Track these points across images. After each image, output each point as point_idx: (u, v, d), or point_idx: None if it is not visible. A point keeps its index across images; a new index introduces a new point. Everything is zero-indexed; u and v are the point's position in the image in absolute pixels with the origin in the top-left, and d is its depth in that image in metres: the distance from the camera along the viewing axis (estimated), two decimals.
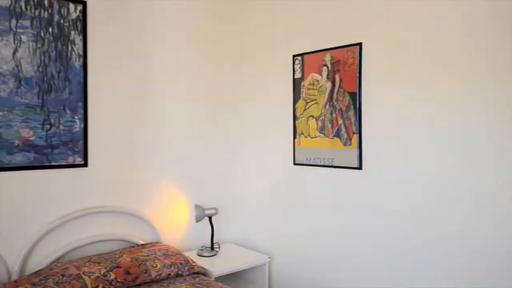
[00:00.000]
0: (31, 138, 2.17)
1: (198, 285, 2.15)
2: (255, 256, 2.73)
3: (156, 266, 2.22)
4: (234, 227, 3.08)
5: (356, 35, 2.31)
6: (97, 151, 2.41)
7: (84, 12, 2.32)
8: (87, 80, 2.35)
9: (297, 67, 2.63)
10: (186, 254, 2.71)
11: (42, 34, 2.18)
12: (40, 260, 2.20)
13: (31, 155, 2.17)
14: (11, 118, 2.10)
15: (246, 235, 3.02)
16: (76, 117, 2.32)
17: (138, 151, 2.58)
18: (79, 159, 2.34)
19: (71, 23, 2.28)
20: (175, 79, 2.74)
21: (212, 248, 2.76)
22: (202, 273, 2.38)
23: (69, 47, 2.28)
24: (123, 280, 2.08)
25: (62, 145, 2.27)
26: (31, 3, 2.14)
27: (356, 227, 2.34)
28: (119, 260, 2.16)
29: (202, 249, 2.74)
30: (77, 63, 2.30)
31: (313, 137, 2.54)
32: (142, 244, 2.51)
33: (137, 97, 2.57)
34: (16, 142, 2.12)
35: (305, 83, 2.59)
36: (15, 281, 1.97)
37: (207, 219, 2.80)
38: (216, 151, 2.98)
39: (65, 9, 2.26)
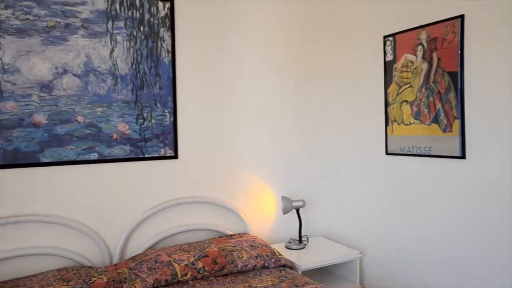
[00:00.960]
0: (127, 132, 2.32)
1: (283, 278, 2.10)
2: (345, 251, 2.60)
3: (242, 257, 2.23)
4: (323, 220, 2.97)
5: (457, 6, 2.04)
6: (186, 143, 2.49)
7: (172, 9, 2.41)
8: (175, 75, 2.44)
9: (388, 48, 2.43)
10: (274, 246, 2.69)
11: (135, 33, 2.31)
12: (137, 246, 2.35)
13: (127, 147, 2.32)
14: (110, 114, 2.27)
15: (336, 228, 2.90)
16: (166, 111, 2.42)
17: (226, 144, 2.62)
18: (170, 151, 2.44)
19: (160, 20, 2.38)
20: (262, 72, 2.72)
21: (300, 241, 2.69)
22: (289, 266, 2.32)
23: (159, 44, 2.38)
24: (210, 270, 2.12)
25: (154, 138, 2.39)
26: (125, 4, 2.28)
27: (460, 224, 2.08)
28: (207, 250, 2.21)
29: (290, 242, 2.69)
30: (166, 59, 2.40)
31: (407, 124, 2.32)
32: (231, 235, 2.54)
33: (224, 91, 2.60)
34: (114, 136, 2.29)
35: (398, 65, 2.37)
36: (115, 265, 2.13)
37: (294, 211, 2.74)
38: (303, 142, 2.90)
39: (155, 8, 2.36)
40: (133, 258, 2.18)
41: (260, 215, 2.75)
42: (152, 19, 2.36)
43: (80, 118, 2.19)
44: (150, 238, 2.37)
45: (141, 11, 2.33)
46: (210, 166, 2.57)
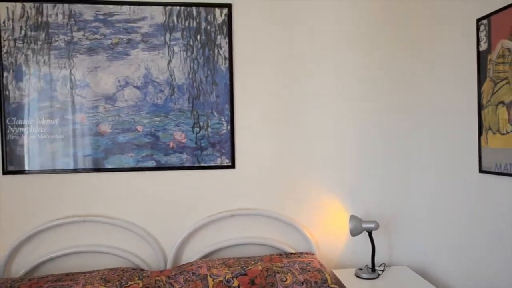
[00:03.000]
0: (183, 141, 2.35)
1: None
2: None
3: (285, 281, 2.01)
4: (409, 246, 2.48)
5: None
6: (244, 153, 2.39)
7: (229, 15, 2.35)
8: (233, 82, 2.37)
9: (482, 35, 1.87)
10: (341, 272, 2.35)
11: (191, 43, 2.33)
12: (192, 254, 2.35)
13: (184, 156, 2.35)
14: (167, 123, 2.34)
15: (424, 259, 2.37)
16: (223, 119, 2.37)
17: (287, 154, 2.42)
18: (226, 160, 2.38)
19: (217, 27, 2.35)
20: (330, 76, 2.43)
21: (373, 269, 2.29)
22: None
23: (216, 51, 2.35)
24: None
25: (210, 146, 2.37)
26: (182, 15, 2.32)
27: None
28: (250, 268, 2.07)
29: (361, 269, 2.31)
30: (223, 66, 2.35)
31: (503, 134, 1.74)
32: (292, 253, 2.33)
33: (286, 98, 2.41)
34: (171, 144, 2.34)
35: (493, 56, 1.80)
36: (161, 271, 2.16)
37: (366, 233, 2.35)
38: (379, 155, 2.47)
39: (212, 15, 2.34)
40: (179, 267, 2.19)
41: (330, 235, 2.45)
42: (209, 27, 2.34)
43: (139, 127, 2.32)
44: (205, 248, 2.34)
45: (197, 20, 2.33)
46: (270, 178, 2.41)
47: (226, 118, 2.37)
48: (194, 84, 2.34)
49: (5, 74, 2.23)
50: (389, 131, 2.48)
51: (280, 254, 2.30)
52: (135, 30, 2.30)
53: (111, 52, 2.29)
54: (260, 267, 2.07)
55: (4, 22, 2.23)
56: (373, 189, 2.47)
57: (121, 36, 2.29)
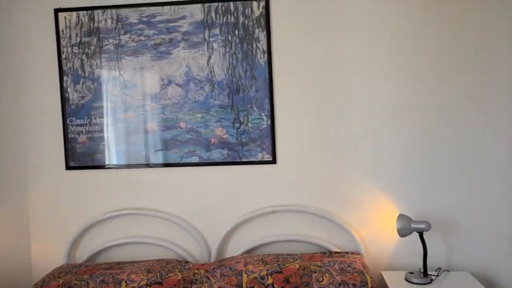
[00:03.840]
0: (224, 136, 2.37)
1: None
2: None
3: (321, 281, 1.93)
4: (470, 250, 2.22)
5: None
6: (285, 148, 2.34)
7: (267, 7, 2.29)
8: (272, 76, 2.32)
9: None
10: (390, 274, 2.19)
11: (230, 38, 2.33)
12: (235, 249, 2.37)
13: (225, 151, 2.37)
14: (208, 119, 2.37)
15: (487, 265, 2.11)
16: (263, 114, 2.33)
17: (330, 149, 2.30)
18: (267, 155, 2.34)
19: (254, 21, 2.31)
20: (374, 68, 2.26)
21: (425, 273, 2.10)
22: None
23: (254, 45, 2.31)
24: None
25: (251, 142, 2.35)
26: (220, 11, 2.33)
27: None
28: (286, 265, 2.03)
29: (412, 273, 2.13)
30: (261, 60, 2.31)
31: None
32: (336, 252, 2.23)
33: (328, 90, 2.29)
34: (213, 140, 2.37)
35: None
36: (202, 265, 2.21)
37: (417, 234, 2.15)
38: (435, 150, 2.24)
39: (249, 9, 2.31)
40: (220, 261, 2.22)
41: (379, 234, 2.30)
42: (246, 21, 2.31)
43: (182, 124, 2.38)
44: (247, 243, 2.35)
45: (235, 15, 2.31)
46: (312, 173, 2.32)
47: (266, 113, 2.33)
48: (233, 80, 2.34)
49: (64, 78, 2.44)
50: (450, 126, 2.24)
51: (324, 253, 2.22)
52: (176, 29, 2.36)
53: (155, 52, 2.38)
54: (297, 266, 2.02)
55: (62, 31, 2.43)
56: (430, 187, 2.26)
57: (163, 36, 2.36)
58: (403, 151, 2.27)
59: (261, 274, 1.98)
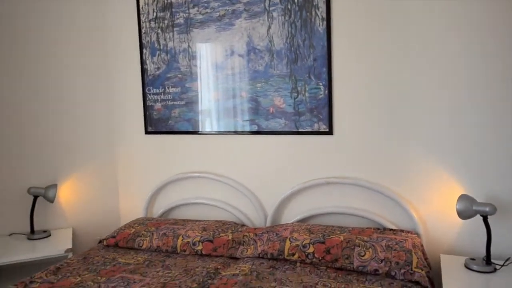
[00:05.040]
0: (282, 106, 2.38)
1: None
2: None
3: (363, 255, 1.88)
4: None
5: None
6: (342, 118, 2.26)
7: None
8: (331, 44, 2.24)
9: None
10: (450, 258, 2.02)
11: (289, 7, 2.30)
12: (290, 217, 2.42)
13: (282, 121, 2.39)
14: (267, 89, 2.40)
15: None
16: (320, 84, 2.28)
17: (389, 121, 2.17)
18: (324, 126, 2.30)
19: None
20: (442, 40, 2.02)
21: (488, 262, 1.90)
22: (425, 286, 1.75)
23: (313, 13, 2.25)
24: (320, 258, 1.94)
25: (308, 112, 2.33)
26: None
27: None
28: (330, 236, 2.02)
29: (473, 259, 1.94)
30: (320, 27, 2.24)
31: None
32: (390, 229, 2.14)
33: (389, 60, 2.13)
34: (271, 109, 2.41)
35: None
36: (254, 229, 2.31)
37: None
38: (508, 123, 1.95)
39: None
40: (271, 226, 2.29)
41: (441, 215, 2.12)
42: None
43: (243, 94, 2.46)
44: (301, 212, 2.38)
45: None
46: (369, 146, 2.22)
47: (323, 83, 2.28)
48: (292, 49, 2.32)
49: (144, 51, 2.69)
50: None
51: (377, 229, 2.14)
52: (238, 0, 2.41)
53: (219, 24, 2.47)
54: (341, 238, 1.99)
55: (142, 7, 2.66)
56: (502, 167, 2.00)
57: (227, 8, 2.44)
58: (474, 126, 2.02)
59: (303, 243, 2.01)
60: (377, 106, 2.19)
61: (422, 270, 1.79)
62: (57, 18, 2.66)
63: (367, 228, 2.15)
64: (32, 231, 2.63)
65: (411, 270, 1.78)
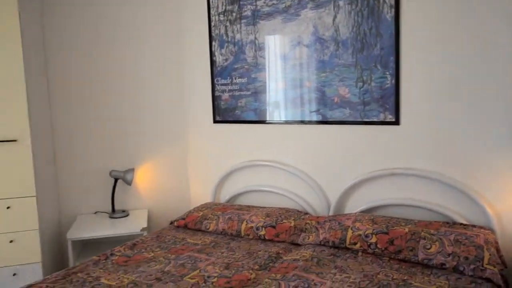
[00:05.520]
0: (347, 96, 2.36)
1: None
2: None
3: (429, 248, 1.83)
4: None
5: None
6: (410, 108, 2.19)
7: None
8: (399, 32, 2.17)
9: None
10: None
11: None
12: (353, 207, 2.41)
13: (347, 111, 2.37)
14: (332, 78, 2.40)
15: None
16: (387, 73, 2.23)
17: (460, 112, 2.06)
18: (390, 116, 2.25)
19: None
20: None
21: None
22: (497, 284, 1.65)
23: (380, 0, 2.19)
24: (382, 248, 1.92)
25: (373, 101, 2.29)
26: None
27: None
28: (394, 228, 1.98)
29: None
30: (388, 15, 2.18)
31: None
32: (461, 224, 2.04)
33: (464, 48, 2.02)
34: (335, 99, 2.40)
35: None
36: (317, 217, 2.34)
37: None
38: None
39: None
40: (334, 216, 2.30)
41: None
42: None
43: (308, 84, 2.48)
44: (365, 203, 2.35)
45: None
46: (439, 137, 2.13)
47: (390, 71, 2.22)
48: (358, 38, 2.29)
49: (213, 43, 2.81)
50: None
51: (447, 223, 2.06)
52: None
53: (285, 15, 2.50)
54: (406, 230, 1.95)
55: (212, 1, 2.78)
56: None
57: None
58: None
59: (366, 232, 2.00)
60: (448, 96, 2.10)
61: (495, 267, 1.70)
62: (136, 12, 2.88)
63: (435, 221, 2.08)
64: (113, 210, 2.89)
65: (482, 266, 1.71)
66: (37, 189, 2.42)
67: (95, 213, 2.94)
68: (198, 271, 1.85)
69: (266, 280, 1.73)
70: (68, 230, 2.62)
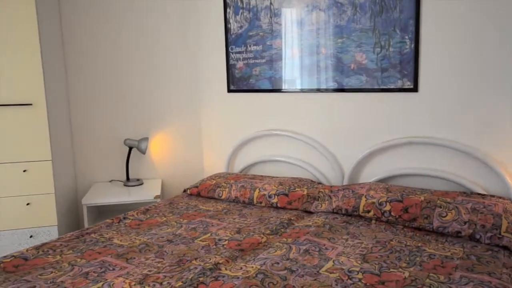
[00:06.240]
0: (364, 62, 2.29)
1: (478, 260, 1.54)
2: None
3: (444, 216, 1.78)
4: None
5: None
6: (429, 74, 2.11)
7: None
8: None
9: None
10: None
11: None
12: (368, 177, 2.36)
13: (363, 78, 2.30)
14: (348, 44, 2.32)
15: None
16: (406, 37, 2.14)
17: (486, 80, 1.97)
18: (408, 83, 2.17)
19: None
20: None
21: None
22: None
23: None
24: (396, 216, 1.88)
25: (391, 68, 2.21)
26: None
27: None
28: (408, 196, 1.94)
29: None
30: None
31: None
32: (478, 193, 1.98)
33: (485, 12, 1.92)
34: (352, 66, 2.33)
35: None
36: (331, 186, 2.30)
37: None
38: None
39: None
40: (348, 185, 2.25)
41: None
42: None
43: (323, 50, 2.41)
44: (380, 173, 2.30)
45: None
46: (460, 105, 2.05)
47: (409, 36, 2.13)
48: (377, 1, 2.20)
49: (227, 10, 2.75)
50: None
51: (465, 193, 2.00)
52: None
53: None
54: (421, 198, 1.90)
55: None
56: None
57: None
58: None
59: (379, 200, 1.96)
60: (469, 62, 2.01)
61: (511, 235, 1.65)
62: None
63: (452, 191, 2.02)
64: (128, 179, 2.91)
65: (499, 234, 1.65)
66: (53, 154, 2.45)
67: (110, 181, 2.97)
68: (209, 234, 1.85)
69: (277, 243, 1.72)
70: (84, 196, 2.66)
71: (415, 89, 2.16)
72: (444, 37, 2.05)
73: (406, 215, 1.86)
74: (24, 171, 2.38)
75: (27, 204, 2.40)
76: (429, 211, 1.83)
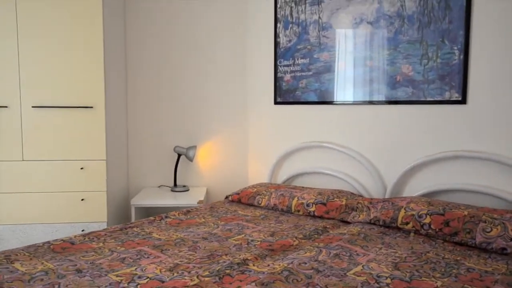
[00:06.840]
0: (410, 74, 2.25)
1: None
2: None
3: (489, 231, 1.68)
4: None
5: None
6: (479, 86, 2.03)
7: None
8: (470, 3, 2.02)
9: None
10: None
11: None
12: (411, 191, 2.28)
13: (409, 90, 2.26)
14: (395, 56, 2.30)
15: None
16: (455, 48, 2.08)
17: None
18: (456, 94, 2.10)
19: None
20: None
21: None
22: None
23: None
24: (436, 229, 1.79)
25: (438, 79, 2.15)
26: None
27: None
28: (452, 210, 1.84)
29: None
30: None
31: None
32: None
33: None
34: (398, 77, 2.30)
35: None
36: (371, 199, 2.24)
37: None
38: None
39: None
40: (389, 198, 2.19)
41: None
42: None
43: (369, 62, 2.40)
44: (425, 188, 2.22)
45: None
46: (510, 119, 1.94)
47: (459, 47, 2.08)
48: (425, 12, 2.17)
49: (278, 25, 2.85)
50: None
51: None
52: None
53: None
54: (465, 213, 1.81)
55: None
56: None
57: None
58: None
59: (419, 213, 1.89)
60: None
61: None
62: None
63: (501, 209, 1.90)
64: (175, 184, 3.04)
65: None
66: (108, 155, 2.64)
67: (159, 186, 3.12)
68: (243, 235, 1.89)
69: (308, 247, 1.71)
70: (133, 197, 2.81)
71: (463, 101, 2.08)
72: (495, 48, 1.98)
73: (447, 229, 1.78)
74: (81, 168, 2.58)
75: (82, 199, 2.59)
76: (472, 225, 1.73)
